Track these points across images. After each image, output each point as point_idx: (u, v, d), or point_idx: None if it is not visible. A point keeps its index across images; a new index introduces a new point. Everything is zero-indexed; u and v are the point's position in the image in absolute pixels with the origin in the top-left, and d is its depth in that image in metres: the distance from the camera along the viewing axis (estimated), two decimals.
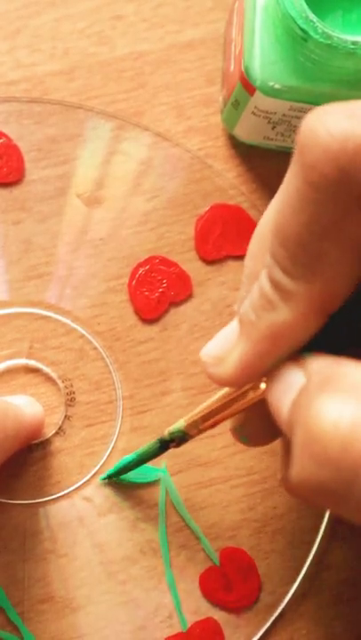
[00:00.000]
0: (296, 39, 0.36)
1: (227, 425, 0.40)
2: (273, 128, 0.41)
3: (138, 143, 0.43)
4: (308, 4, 0.36)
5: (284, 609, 0.39)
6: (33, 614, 0.38)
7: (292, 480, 0.26)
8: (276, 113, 0.40)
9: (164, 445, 0.36)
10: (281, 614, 0.39)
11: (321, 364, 0.28)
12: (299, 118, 0.39)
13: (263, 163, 0.43)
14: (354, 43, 0.36)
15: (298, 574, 0.40)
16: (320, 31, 0.36)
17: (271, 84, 0.38)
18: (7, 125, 0.42)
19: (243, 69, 0.38)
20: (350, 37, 0.36)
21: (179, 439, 0.35)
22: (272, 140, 0.42)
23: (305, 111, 0.39)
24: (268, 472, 0.40)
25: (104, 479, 0.39)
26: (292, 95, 0.38)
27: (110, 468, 0.39)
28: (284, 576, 0.40)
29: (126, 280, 0.41)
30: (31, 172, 0.42)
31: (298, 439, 0.26)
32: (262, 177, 0.43)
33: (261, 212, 0.42)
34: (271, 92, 0.38)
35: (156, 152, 0.43)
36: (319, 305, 0.28)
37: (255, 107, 0.40)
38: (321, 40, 0.36)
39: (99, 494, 0.39)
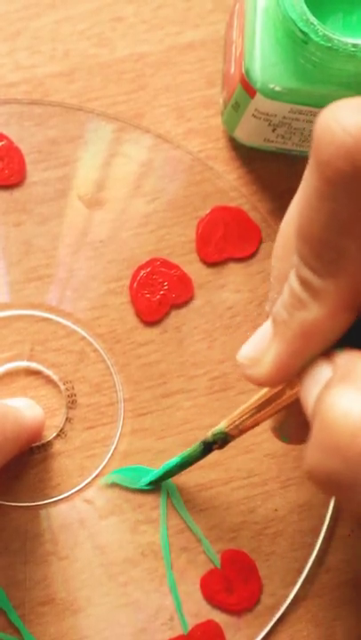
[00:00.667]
0: (297, 42, 0.36)
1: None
2: (273, 130, 0.41)
3: (138, 145, 0.43)
4: (308, 6, 0.36)
5: (284, 611, 0.40)
6: (34, 616, 0.38)
7: (305, 468, 0.27)
8: (276, 115, 0.40)
9: (207, 447, 0.37)
10: (282, 616, 0.39)
11: (346, 358, 0.28)
12: (299, 120, 0.40)
13: (264, 165, 0.43)
14: (354, 45, 0.36)
15: (299, 576, 0.40)
16: (320, 34, 0.36)
17: (272, 86, 0.38)
18: (8, 128, 0.42)
19: (243, 71, 0.38)
20: (351, 40, 0.36)
21: (221, 441, 0.36)
22: (272, 142, 0.42)
23: (305, 114, 0.39)
24: (268, 474, 0.41)
25: (147, 485, 0.39)
26: (293, 97, 0.38)
27: (151, 474, 0.39)
28: (284, 578, 0.40)
29: (127, 282, 0.41)
30: (32, 174, 0.42)
31: (314, 428, 0.27)
32: (263, 179, 0.43)
33: (262, 214, 0.43)
34: (272, 95, 0.38)
35: (157, 154, 0.43)
36: (348, 300, 0.28)
37: (256, 109, 0.40)
38: (321, 43, 0.36)
39: (100, 497, 0.39)
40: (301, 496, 0.41)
